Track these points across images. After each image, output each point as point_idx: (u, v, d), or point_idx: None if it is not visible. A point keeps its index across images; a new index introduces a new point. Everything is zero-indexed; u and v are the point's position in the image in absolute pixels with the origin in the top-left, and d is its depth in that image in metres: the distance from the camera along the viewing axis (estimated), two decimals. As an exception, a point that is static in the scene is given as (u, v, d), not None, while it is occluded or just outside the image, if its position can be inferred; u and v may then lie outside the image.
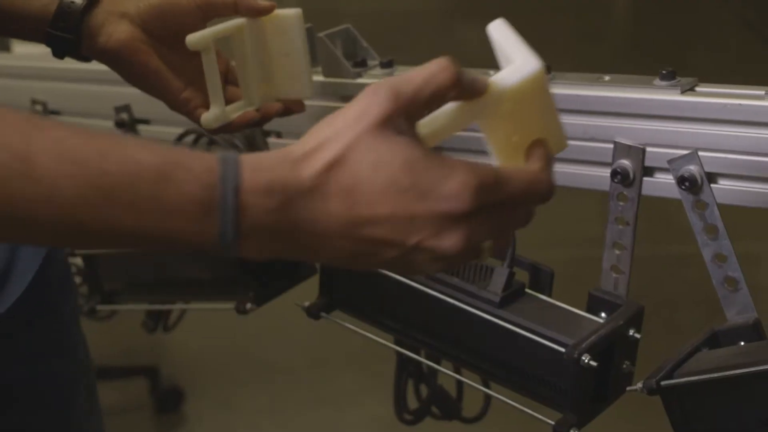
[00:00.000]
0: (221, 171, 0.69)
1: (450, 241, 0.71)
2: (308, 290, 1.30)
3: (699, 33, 5.21)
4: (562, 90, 1.12)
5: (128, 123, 1.45)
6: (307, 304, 1.24)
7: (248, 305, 1.39)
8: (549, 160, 0.78)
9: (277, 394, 2.73)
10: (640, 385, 0.99)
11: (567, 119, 1.12)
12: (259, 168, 0.70)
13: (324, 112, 1.32)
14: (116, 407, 2.67)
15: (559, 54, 4.67)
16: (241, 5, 1.14)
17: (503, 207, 0.73)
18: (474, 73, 0.75)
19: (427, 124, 0.75)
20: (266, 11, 1.16)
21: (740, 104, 1.00)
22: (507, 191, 0.73)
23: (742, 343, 1.02)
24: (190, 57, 1.12)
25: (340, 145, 0.70)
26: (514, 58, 0.77)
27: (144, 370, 2.80)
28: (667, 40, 5.08)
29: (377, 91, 0.71)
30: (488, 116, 0.78)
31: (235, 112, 1.16)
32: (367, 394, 2.54)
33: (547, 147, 0.79)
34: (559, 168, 1.14)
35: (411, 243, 0.71)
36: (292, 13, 1.18)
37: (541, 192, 0.75)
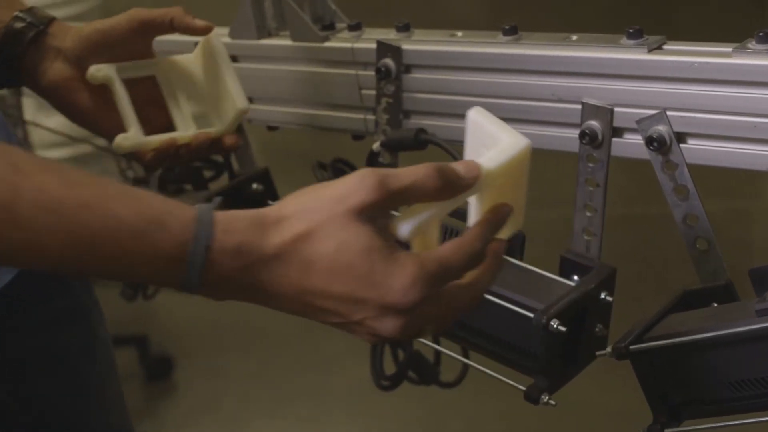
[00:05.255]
0: (195, 230, 0.75)
1: (389, 326, 0.78)
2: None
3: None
4: (529, 51, 1.10)
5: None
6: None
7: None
8: (491, 227, 0.83)
9: (265, 360, 2.73)
10: (609, 349, 0.98)
11: (534, 80, 1.10)
12: (230, 230, 0.76)
13: (294, 77, 1.31)
14: (105, 376, 2.67)
15: (542, 12, 4.63)
16: (177, 23, 1.13)
17: (445, 296, 0.80)
18: (461, 169, 0.80)
19: (413, 211, 0.80)
20: (203, 31, 1.15)
21: (707, 62, 0.98)
22: (451, 273, 0.79)
23: (714, 305, 1.01)
24: (138, 83, 1.14)
25: (313, 221, 0.76)
26: (501, 137, 0.83)
27: (133, 339, 2.80)
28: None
29: (365, 179, 0.77)
30: (482, 191, 0.83)
31: (162, 141, 1.16)
32: (353, 358, 2.53)
33: (500, 215, 0.84)
34: (527, 130, 1.13)
35: (354, 319, 0.78)
36: (204, 39, 1.19)
37: (473, 257, 0.80)
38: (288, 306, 0.79)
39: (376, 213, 0.77)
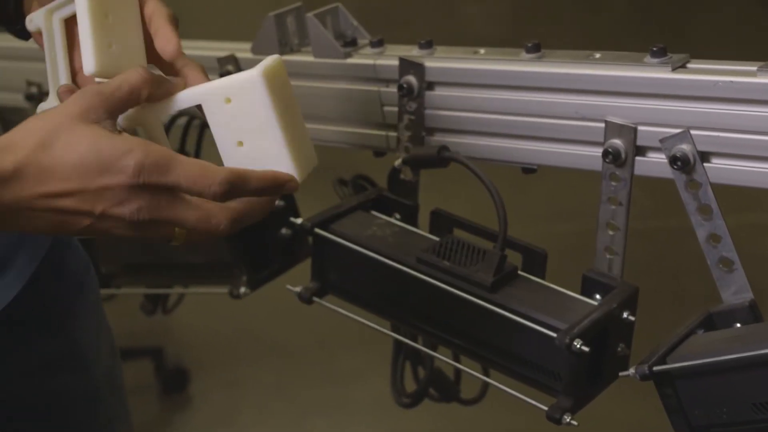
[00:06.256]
0: None
1: (130, 208, 0.82)
2: (306, 273, 1.27)
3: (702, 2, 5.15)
4: (552, 69, 1.10)
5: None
6: (299, 289, 1.22)
7: (242, 289, 1.38)
8: (243, 181, 0.86)
9: (282, 373, 2.72)
10: (632, 370, 0.98)
11: (557, 98, 1.10)
12: None
13: (316, 93, 1.31)
14: (122, 389, 2.67)
15: (560, 25, 4.63)
16: None
17: (173, 190, 0.83)
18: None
19: (128, 115, 0.89)
20: None
21: (732, 81, 0.98)
22: (176, 174, 0.83)
23: (738, 325, 1.01)
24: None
25: (41, 134, 0.81)
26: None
27: (149, 352, 2.80)
28: (671, 9, 5.02)
29: (82, 91, 0.84)
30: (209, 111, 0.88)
31: None
32: (372, 372, 2.54)
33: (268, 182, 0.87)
34: (549, 148, 1.13)
35: (98, 211, 0.82)
36: None
37: (207, 188, 0.83)
38: (39, 218, 0.83)
39: (102, 115, 0.84)
